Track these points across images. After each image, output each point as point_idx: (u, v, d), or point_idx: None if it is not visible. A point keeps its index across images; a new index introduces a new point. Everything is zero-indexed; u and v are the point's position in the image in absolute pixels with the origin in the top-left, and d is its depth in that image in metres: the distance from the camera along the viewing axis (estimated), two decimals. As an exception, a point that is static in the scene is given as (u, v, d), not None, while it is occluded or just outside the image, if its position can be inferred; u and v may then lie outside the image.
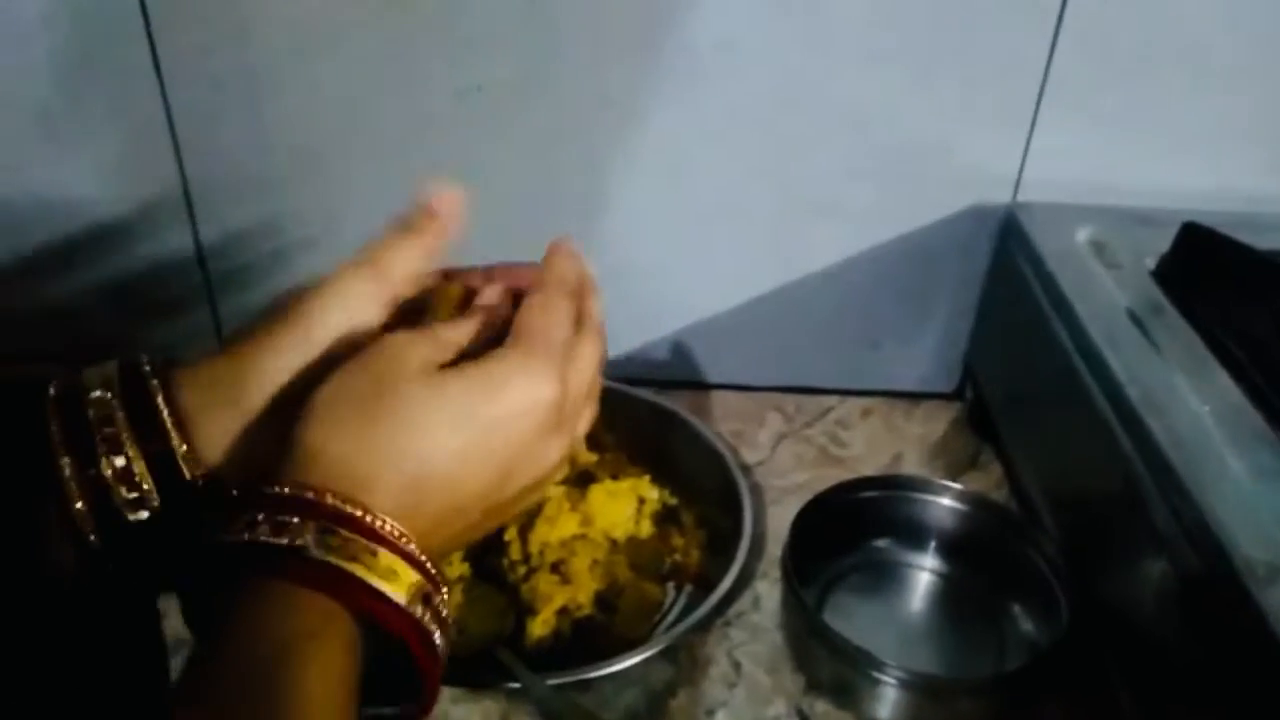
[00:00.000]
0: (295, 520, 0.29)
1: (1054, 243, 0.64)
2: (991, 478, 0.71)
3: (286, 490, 0.30)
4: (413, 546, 0.31)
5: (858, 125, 0.67)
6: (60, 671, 0.34)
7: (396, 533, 0.31)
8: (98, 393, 0.34)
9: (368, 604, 0.29)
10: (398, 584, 0.30)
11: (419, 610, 0.30)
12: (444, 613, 0.32)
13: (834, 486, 0.60)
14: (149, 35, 0.64)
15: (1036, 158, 0.68)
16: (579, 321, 0.38)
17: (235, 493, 0.34)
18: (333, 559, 0.29)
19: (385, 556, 0.30)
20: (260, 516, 0.30)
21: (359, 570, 0.29)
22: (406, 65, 0.65)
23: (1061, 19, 0.63)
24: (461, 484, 0.33)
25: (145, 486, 0.33)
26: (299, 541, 0.29)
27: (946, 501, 0.61)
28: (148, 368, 0.35)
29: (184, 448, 0.34)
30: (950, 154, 0.68)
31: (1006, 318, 0.70)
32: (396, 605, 0.30)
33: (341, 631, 0.29)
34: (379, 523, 0.30)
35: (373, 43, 0.64)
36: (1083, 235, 0.64)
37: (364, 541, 0.30)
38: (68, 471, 0.33)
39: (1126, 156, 0.68)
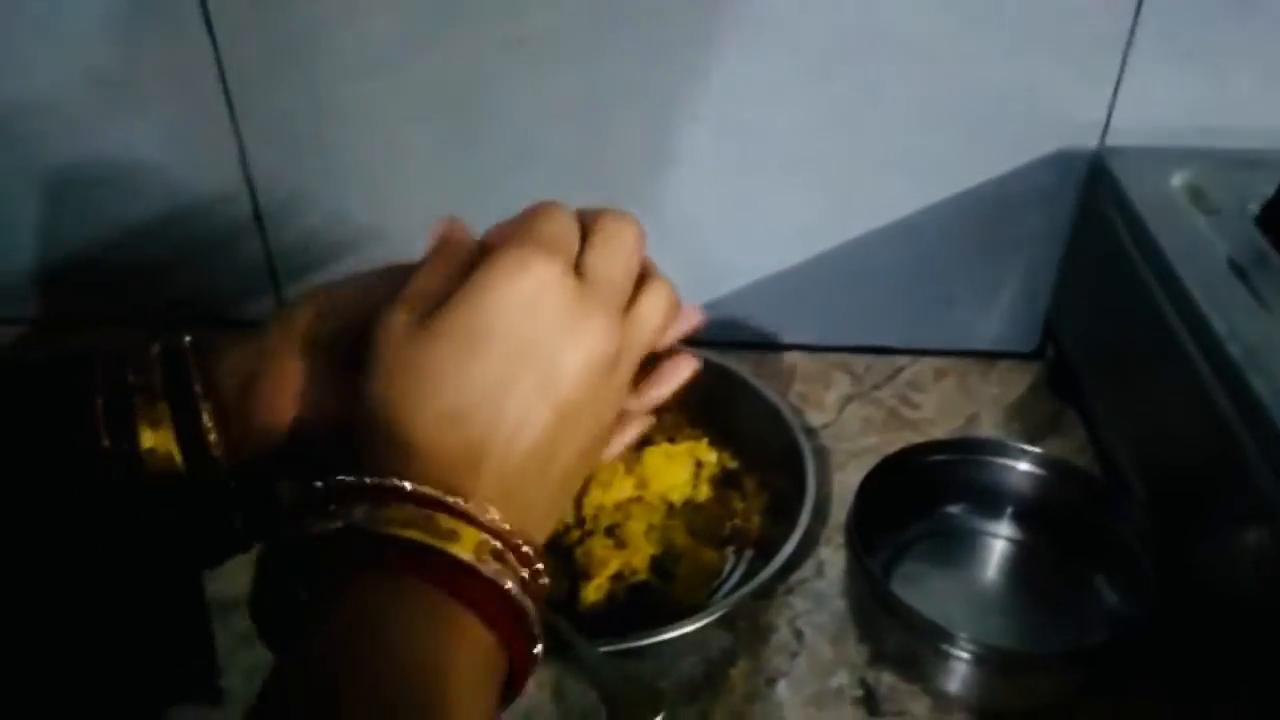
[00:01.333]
0: (338, 504, 0.29)
1: (1147, 189, 0.59)
2: (1074, 442, 0.67)
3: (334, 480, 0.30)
4: (469, 505, 0.29)
5: (932, 68, 0.63)
6: (99, 644, 0.34)
7: (447, 497, 0.29)
8: (133, 375, 0.34)
9: (432, 568, 0.28)
10: (458, 543, 0.28)
11: (491, 565, 0.29)
12: (528, 576, 0.30)
13: (903, 449, 0.57)
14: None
15: (1126, 99, 0.63)
16: (641, 275, 0.35)
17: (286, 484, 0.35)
18: (385, 529, 0.28)
19: (442, 519, 0.29)
20: (322, 499, 0.29)
21: (414, 535, 0.28)
22: (453, 18, 0.63)
23: (1157, -54, 0.58)
24: (503, 408, 0.30)
25: (177, 460, 0.33)
26: (348, 521, 0.28)
27: (1024, 466, 0.58)
28: (187, 350, 0.35)
29: (212, 429, 0.34)
30: (1032, 97, 0.64)
31: (1093, 272, 0.65)
32: (460, 563, 0.28)
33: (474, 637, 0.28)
34: (421, 488, 0.29)
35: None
36: (1178, 180, 0.60)
37: (413, 509, 0.28)
38: (106, 443, 0.33)
39: (1226, 95, 0.62)
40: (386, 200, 0.71)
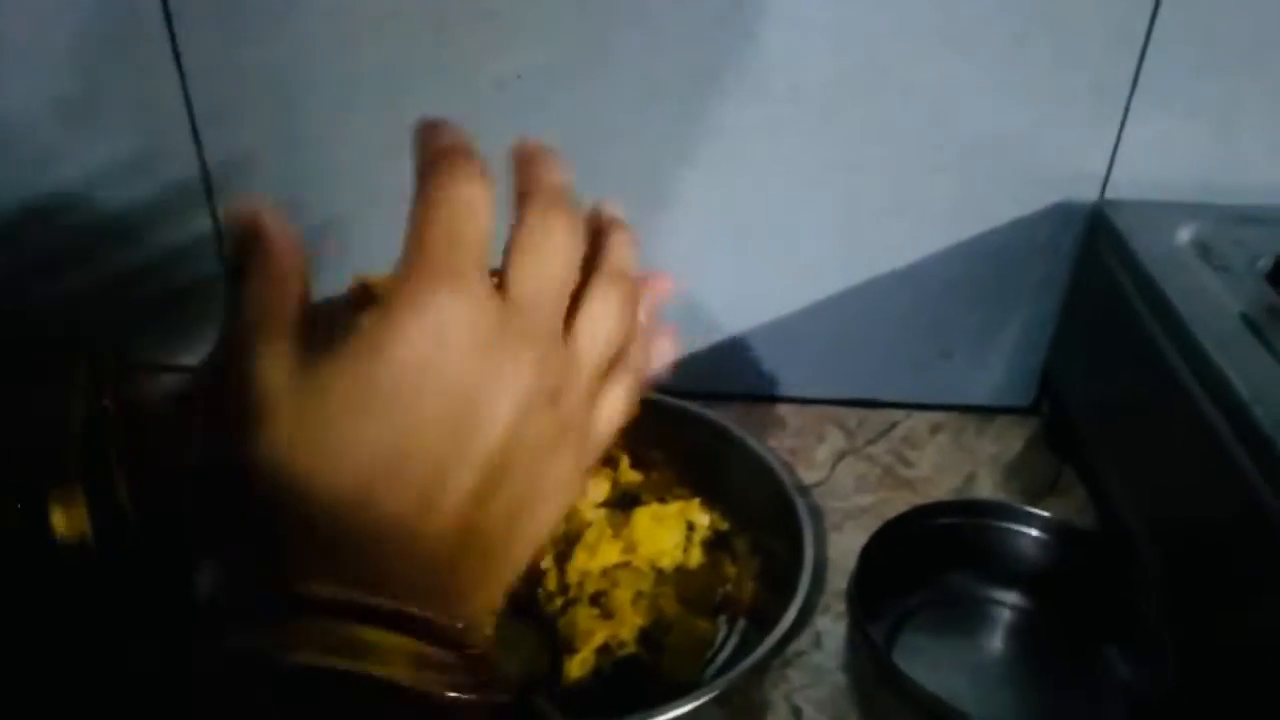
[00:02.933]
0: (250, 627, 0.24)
1: (1152, 244, 0.57)
2: (1074, 501, 0.65)
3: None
4: (385, 602, 0.24)
5: (935, 115, 0.61)
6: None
7: (359, 598, 0.24)
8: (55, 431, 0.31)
9: (357, 694, 0.23)
10: (382, 661, 0.23)
11: (428, 676, 0.24)
12: (476, 678, 0.25)
13: (906, 513, 0.54)
14: (168, 23, 0.60)
15: (1128, 152, 0.62)
16: (593, 265, 0.29)
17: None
18: (291, 658, 0.23)
19: (359, 632, 0.23)
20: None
21: (329, 662, 0.23)
22: (443, 53, 0.61)
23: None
24: (412, 477, 0.25)
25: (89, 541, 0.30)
26: (247, 648, 0.23)
27: (1030, 530, 0.55)
28: (107, 410, 0.31)
29: (127, 508, 0.30)
30: (1034, 147, 0.62)
31: (1095, 326, 0.63)
32: (390, 685, 0.23)
33: None
34: (324, 593, 0.24)
35: (408, 30, 0.60)
36: (1184, 235, 0.58)
37: (322, 624, 0.23)
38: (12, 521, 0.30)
39: (1230, 150, 0.61)
40: (362, 243, 0.67)
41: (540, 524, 0.28)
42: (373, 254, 0.71)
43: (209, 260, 0.69)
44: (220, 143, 0.64)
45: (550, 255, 0.27)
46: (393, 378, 0.25)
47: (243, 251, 0.28)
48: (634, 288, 0.29)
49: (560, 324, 0.28)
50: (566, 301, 0.28)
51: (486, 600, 0.27)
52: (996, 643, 0.55)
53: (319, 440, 0.25)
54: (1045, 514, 0.55)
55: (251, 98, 0.62)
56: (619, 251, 0.30)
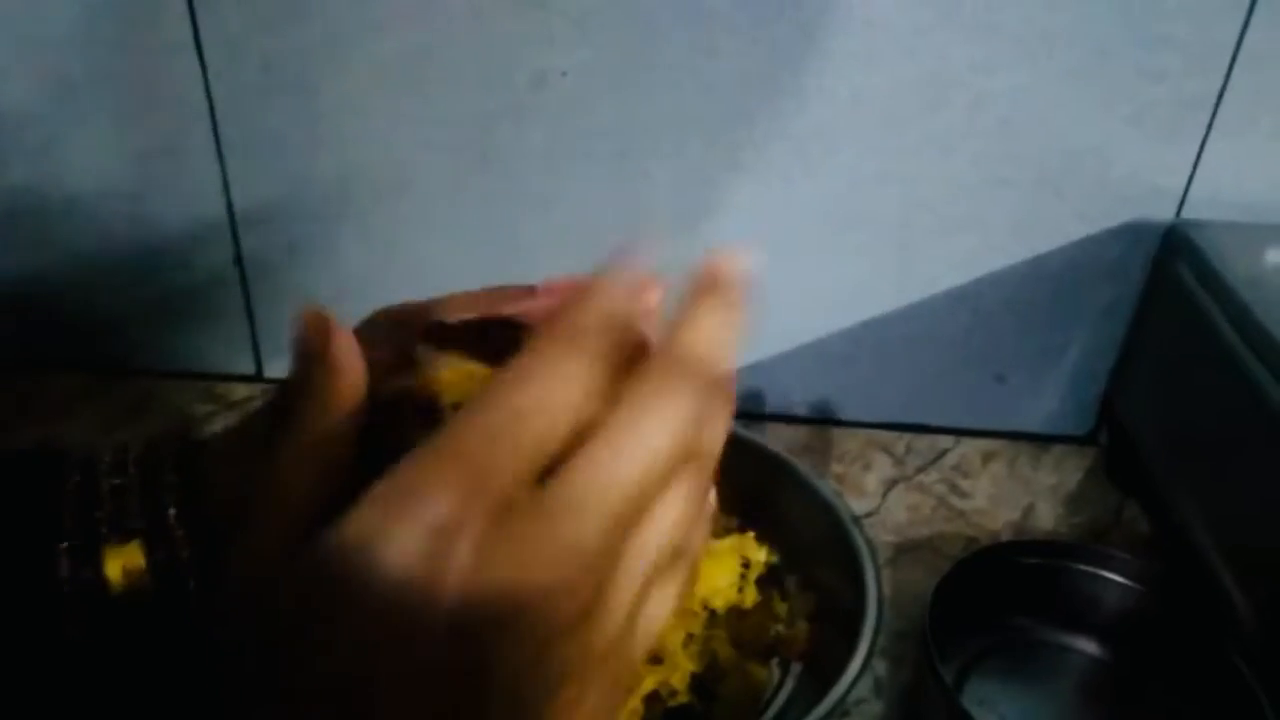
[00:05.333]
0: None
1: (1240, 267, 0.53)
2: (1138, 538, 0.61)
3: None
4: None
5: (1003, 126, 0.58)
6: None
7: None
8: (114, 479, 0.27)
9: None
10: None
11: None
12: None
13: (981, 550, 0.50)
14: (190, 7, 0.56)
15: (1208, 170, 0.58)
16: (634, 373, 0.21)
17: None
18: None
19: None
20: None
21: None
22: (479, 45, 0.57)
23: (1254, 5, 0.54)
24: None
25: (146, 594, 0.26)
26: None
27: (1108, 573, 0.51)
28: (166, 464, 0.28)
29: (188, 568, 0.27)
30: (1107, 163, 0.59)
31: (1169, 352, 0.60)
32: None
33: None
34: None
35: (442, 18, 0.56)
36: (1274, 259, 0.54)
37: None
38: (64, 570, 0.26)
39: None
40: (386, 243, 0.63)
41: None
42: (396, 252, 0.67)
43: (225, 267, 0.65)
44: (240, 133, 0.60)
45: (639, 452, 0.20)
46: (369, 583, 0.18)
47: (306, 368, 0.24)
48: (714, 467, 0.22)
49: (611, 536, 0.20)
50: (639, 512, 0.20)
51: None
52: (1069, 692, 0.51)
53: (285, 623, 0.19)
54: (1128, 556, 0.51)
55: (274, 87, 0.58)
56: (710, 437, 0.22)
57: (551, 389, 0.20)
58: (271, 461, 0.24)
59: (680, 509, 0.21)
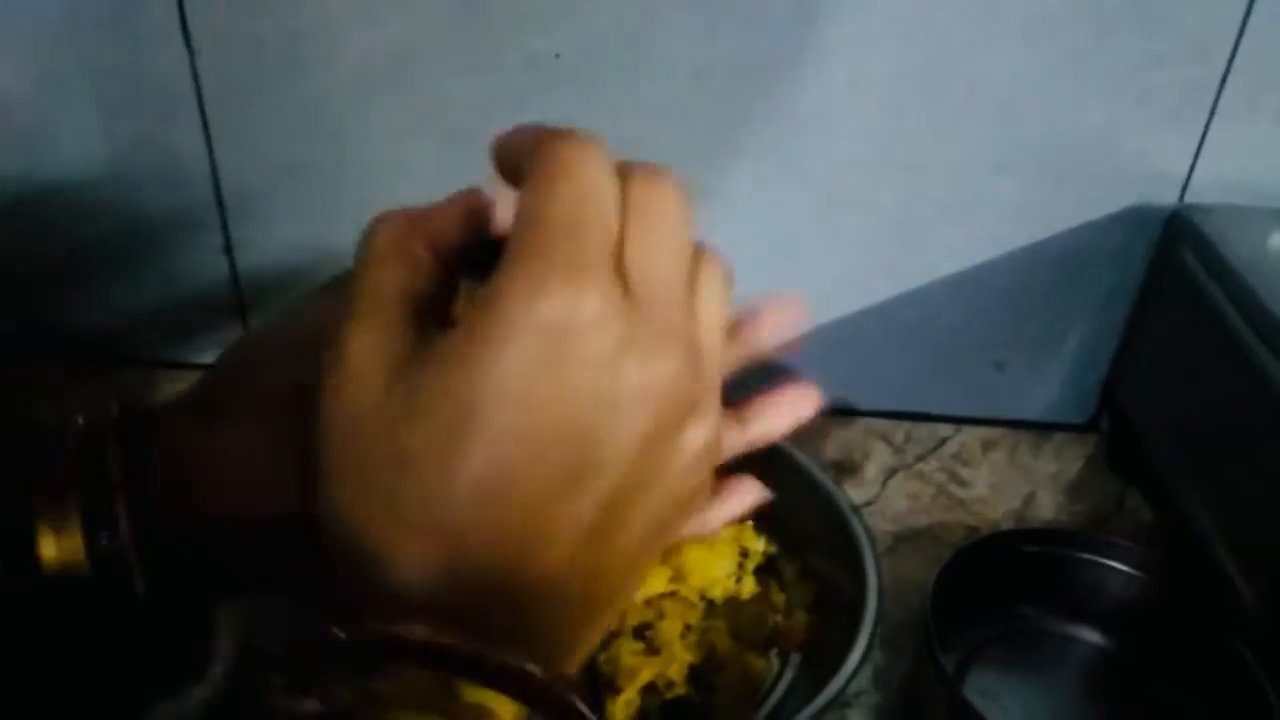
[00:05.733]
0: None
1: (1245, 251, 0.53)
2: (1140, 526, 0.60)
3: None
4: (494, 656, 0.20)
5: (1004, 111, 0.57)
6: None
7: (468, 649, 0.19)
8: (53, 454, 0.26)
9: None
10: None
11: None
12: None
13: (983, 538, 0.50)
14: (176, -13, 0.55)
15: (1212, 154, 0.58)
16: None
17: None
18: (389, 716, 0.18)
19: (465, 691, 0.19)
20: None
21: None
22: (472, 26, 0.56)
23: (1258, -14, 0.53)
24: (519, 521, 0.20)
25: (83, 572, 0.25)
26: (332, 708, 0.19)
27: (1112, 562, 0.51)
28: (108, 433, 0.26)
29: (130, 543, 0.25)
30: (1109, 147, 0.58)
31: (1172, 338, 0.59)
32: None
33: None
34: (430, 639, 0.19)
35: (435, 1, 0.55)
36: (1279, 244, 0.54)
37: (424, 678, 0.19)
38: None
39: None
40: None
41: (659, 554, 0.24)
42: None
43: (214, 256, 0.64)
44: (228, 121, 0.59)
45: (672, 235, 0.22)
46: (499, 388, 0.20)
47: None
48: (728, 271, 0.25)
49: (692, 317, 0.22)
50: (693, 291, 0.23)
51: (588, 648, 0.23)
52: (1072, 682, 0.51)
53: (398, 485, 0.20)
54: (1132, 545, 0.50)
55: (263, 72, 0.57)
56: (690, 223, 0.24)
57: (589, 172, 0.21)
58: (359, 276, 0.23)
59: (719, 294, 0.24)
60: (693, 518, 0.24)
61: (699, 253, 0.24)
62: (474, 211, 0.25)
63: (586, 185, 0.21)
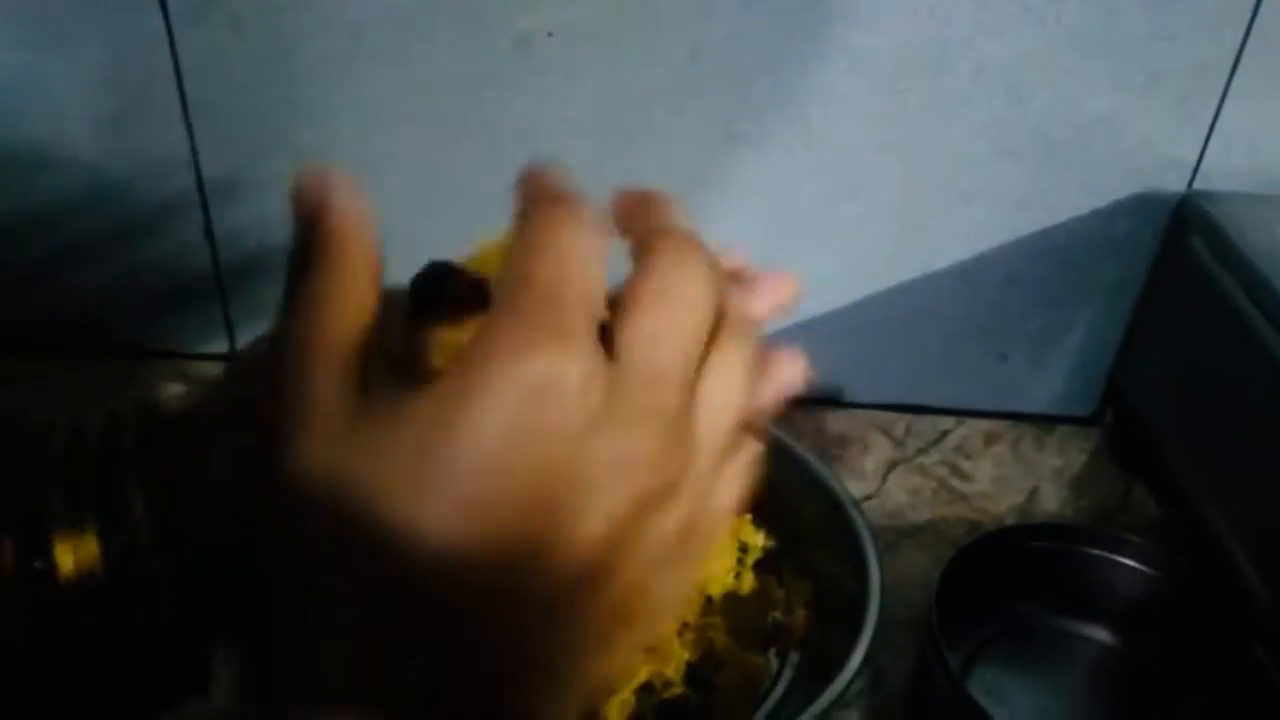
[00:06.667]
0: None
1: (1259, 241, 0.51)
2: (1146, 520, 0.59)
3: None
4: None
5: (1009, 93, 0.55)
6: None
7: None
8: (69, 460, 0.24)
9: None
10: None
11: None
12: None
13: (988, 535, 0.48)
14: (153, -40, 0.53)
15: (1222, 139, 0.56)
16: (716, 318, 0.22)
17: None
18: None
19: None
20: None
21: None
22: (462, 5, 0.54)
23: (1272, -33, 0.51)
24: (468, 603, 0.19)
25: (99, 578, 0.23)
26: None
27: (1120, 558, 0.49)
28: (126, 433, 0.25)
29: (146, 548, 0.24)
30: (1117, 132, 0.56)
31: (1181, 329, 0.57)
32: None
33: None
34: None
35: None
36: (1291, 231, 0.52)
37: None
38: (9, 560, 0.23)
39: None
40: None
41: (641, 640, 0.22)
42: (379, 230, 0.62)
43: (195, 240, 0.62)
44: (208, 99, 0.57)
45: (682, 314, 0.21)
46: (474, 445, 0.19)
47: (308, 234, 0.22)
48: (757, 348, 0.23)
49: (687, 402, 0.21)
50: (694, 374, 0.21)
51: None
52: (1080, 681, 0.49)
53: (365, 513, 0.19)
54: (1139, 540, 0.49)
55: (245, 49, 0.55)
56: (738, 305, 0.23)
57: (577, 239, 0.20)
58: (294, 319, 0.21)
59: (733, 383, 0.22)
60: (678, 601, 0.23)
61: (720, 334, 0.22)
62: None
63: (573, 252, 0.20)
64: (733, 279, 0.25)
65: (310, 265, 0.21)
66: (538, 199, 0.21)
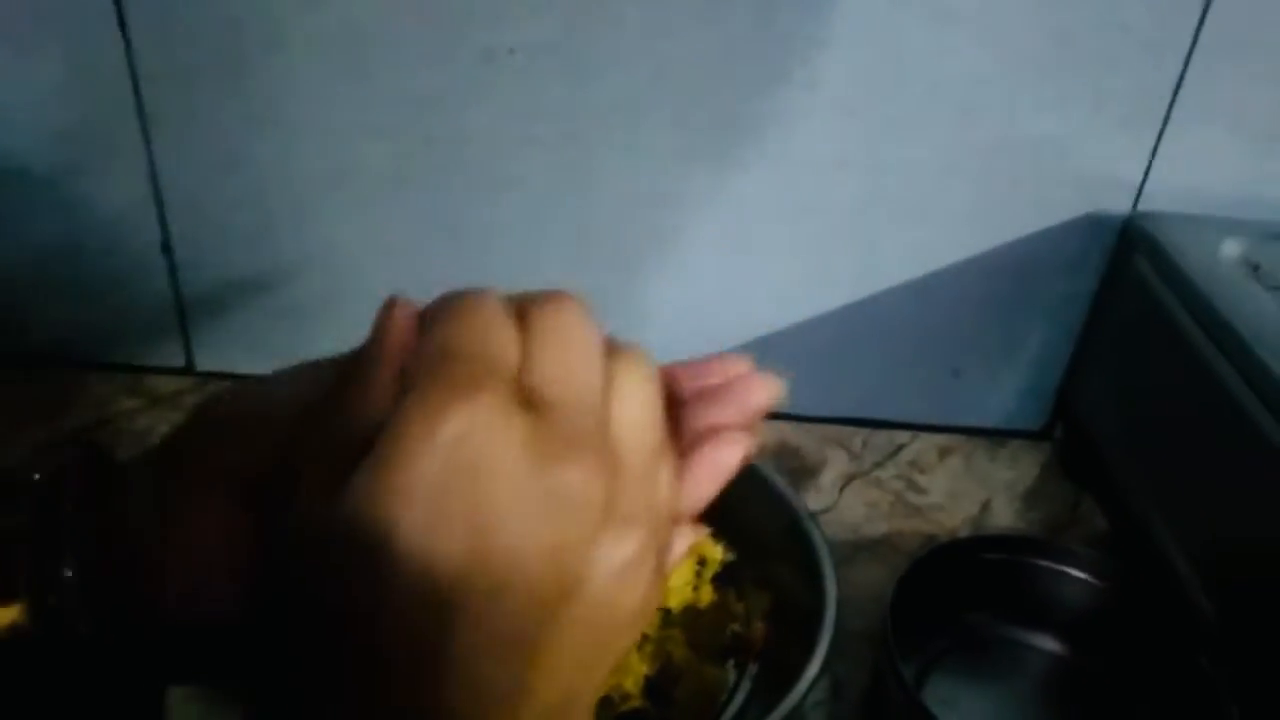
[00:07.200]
0: None
1: (1199, 260, 0.53)
2: (1095, 532, 0.60)
3: None
4: None
5: (960, 114, 0.57)
6: None
7: None
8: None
9: None
10: None
11: None
12: None
13: (941, 546, 0.49)
14: (112, -28, 0.53)
15: (1165, 162, 0.58)
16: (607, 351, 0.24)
17: None
18: None
19: None
20: None
21: None
22: (424, 18, 0.54)
23: (1210, 2, 0.53)
24: (426, 645, 0.20)
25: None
26: None
27: (1069, 569, 0.50)
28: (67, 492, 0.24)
29: (81, 617, 0.23)
30: (1065, 154, 0.58)
31: (1126, 345, 0.59)
32: None
33: None
34: None
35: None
36: (1230, 251, 0.54)
37: None
38: None
39: (1276, 164, 0.57)
40: (324, 229, 0.60)
41: (604, 669, 0.23)
42: (335, 239, 0.63)
43: (151, 253, 0.61)
44: (166, 112, 0.57)
45: (578, 350, 0.22)
46: (409, 515, 0.20)
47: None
48: (647, 363, 0.24)
49: (605, 428, 0.22)
50: (603, 402, 0.23)
51: None
52: (1031, 689, 0.50)
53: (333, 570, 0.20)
54: (1088, 551, 0.50)
55: (203, 62, 0.55)
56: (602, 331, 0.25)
57: (481, 310, 0.22)
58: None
59: (639, 390, 0.23)
60: (634, 634, 0.24)
61: (613, 361, 0.23)
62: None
63: (481, 319, 0.22)
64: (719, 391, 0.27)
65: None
66: (445, 294, 0.23)
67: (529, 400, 0.21)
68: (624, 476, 0.22)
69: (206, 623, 0.24)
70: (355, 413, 0.21)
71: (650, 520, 0.22)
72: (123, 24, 0.54)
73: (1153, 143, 0.57)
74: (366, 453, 0.20)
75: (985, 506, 0.62)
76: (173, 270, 0.62)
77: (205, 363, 0.65)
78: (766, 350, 0.65)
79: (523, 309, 0.23)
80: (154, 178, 0.59)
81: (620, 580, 0.22)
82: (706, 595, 0.49)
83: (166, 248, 0.61)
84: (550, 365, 0.22)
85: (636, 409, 0.23)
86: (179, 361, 0.65)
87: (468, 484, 0.20)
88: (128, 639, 0.24)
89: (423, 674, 0.20)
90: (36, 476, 0.24)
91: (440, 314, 0.22)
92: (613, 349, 0.23)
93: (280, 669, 0.21)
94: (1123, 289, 0.59)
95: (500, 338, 0.22)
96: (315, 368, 0.25)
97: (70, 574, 0.23)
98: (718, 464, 0.26)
